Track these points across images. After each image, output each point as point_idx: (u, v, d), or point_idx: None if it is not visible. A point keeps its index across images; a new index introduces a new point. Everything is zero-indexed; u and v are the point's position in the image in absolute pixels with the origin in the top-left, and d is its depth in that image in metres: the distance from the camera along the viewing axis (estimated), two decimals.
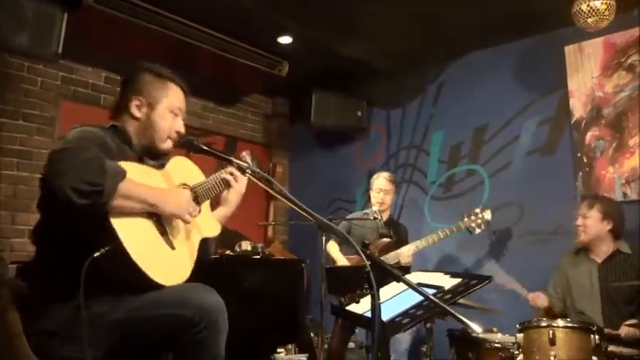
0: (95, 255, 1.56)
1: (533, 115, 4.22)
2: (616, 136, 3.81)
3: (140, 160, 1.92)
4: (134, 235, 1.66)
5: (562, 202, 3.90)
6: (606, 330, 2.76)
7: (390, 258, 3.83)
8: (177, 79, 1.99)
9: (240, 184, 2.10)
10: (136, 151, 1.92)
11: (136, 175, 1.72)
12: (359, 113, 5.09)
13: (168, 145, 1.97)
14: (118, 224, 1.63)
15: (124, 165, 1.69)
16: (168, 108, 1.96)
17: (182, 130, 2.00)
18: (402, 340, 4.46)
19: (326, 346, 3.92)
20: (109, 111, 2.00)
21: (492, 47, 4.45)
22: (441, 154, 4.71)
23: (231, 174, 2.08)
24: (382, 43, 4.45)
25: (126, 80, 1.98)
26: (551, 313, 3.34)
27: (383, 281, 1.88)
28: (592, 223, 3.23)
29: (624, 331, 2.89)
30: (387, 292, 1.96)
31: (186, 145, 2.02)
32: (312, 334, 4.16)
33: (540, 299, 3.35)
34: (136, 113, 1.91)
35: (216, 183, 2.05)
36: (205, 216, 2.05)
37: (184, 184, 1.98)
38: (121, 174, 1.63)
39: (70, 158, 1.59)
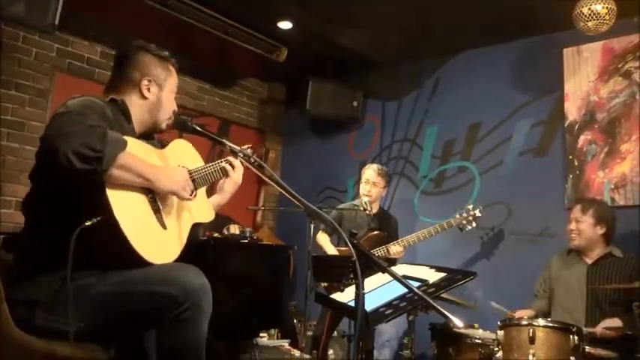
0: (86, 224, 1.57)
1: (527, 116, 4.23)
2: (608, 141, 3.84)
3: (137, 137, 1.93)
4: (127, 209, 1.66)
5: (550, 204, 3.93)
6: (585, 329, 2.81)
7: (380, 252, 3.85)
8: (173, 59, 2.06)
9: (237, 175, 2.14)
10: (133, 128, 1.94)
11: (136, 150, 1.74)
12: (354, 103, 5.08)
13: (167, 124, 2.04)
14: (113, 196, 1.64)
15: (127, 139, 1.70)
16: (171, 89, 2.03)
17: (176, 108, 2.07)
18: (384, 332, 4.51)
19: (309, 333, 3.95)
20: (105, 86, 2.01)
21: (491, 46, 4.45)
22: (434, 149, 4.72)
23: (231, 164, 2.11)
24: (382, 35, 4.44)
25: (126, 57, 1.99)
26: None
27: (369, 272, 1.89)
28: (585, 228, 3.27)
29: (599, 330, 2.93)
30: (372, 282, 1.97)
31: (180, 125, 2.03)
32: (294, 321, 4.19)
33: (524, 312, 3.31)
34: (147, 93, 1.96)
35: (214, 170, 2.08)
36: (201, 201, 2.07)
37: (182, 167, 1.99)
38: (122, 144, 1.66)
39: (74, 122, 1.61)
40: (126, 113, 1.92)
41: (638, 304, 2.64)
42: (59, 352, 1.56)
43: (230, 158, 2.12)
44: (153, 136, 2.05)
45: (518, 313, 3.28)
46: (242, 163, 2.11)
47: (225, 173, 2.12)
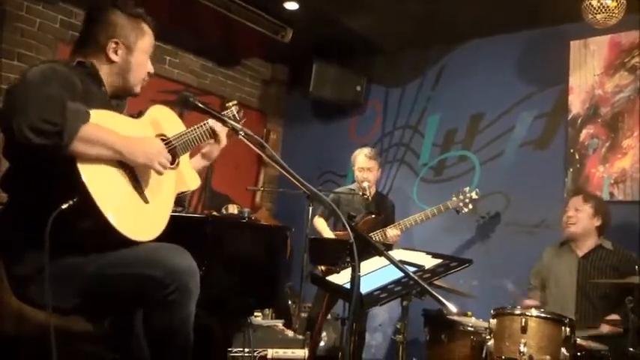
0: (63, 207, 1.52)
1: (530, 108, 4.22)
2: (610, 136, 3.83)
3: (109, 100, 1.87)
4: (104, 187, 1.61)
5: (549, 196, 3.94)
6: (584, 332, 2.86)
7: (377, 235, 3.87)
8: (146, 16, 1.93)
9: (225, 139, 2.07)
10: (105, 91, 1.85)
11: (104, 122, 1.65)
12: (358, 88, 5.06)
13: (140, 88, 1.94)
14: (87, 175, 1.57)
15: (93, 112, 1.62)
16: (144, 50, 1.91)
17: (152, 70, 1.96)
18: (377, 316, 4.54)
19: (304, 314, 3.98)
20: (72, 46, 1.90)
21: (496, 36, 4.41)
22: (435, 137, 4.71)
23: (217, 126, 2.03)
24: (388, 20, 4.40)
25: (94, 17, 1.88)
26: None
27: (366, 255, 1.90)
28: (584, 217, 3.32)
29: (606, 328, 2.97)
30: (369, 266, 1.98)
31: (182, 101, 2.00)
32: (289, 302, 4.22)
33: (531, 302, 3.34)
34: (114, 57, 1.84)
35: (198, 134, 2.00)
36: (184, 168, 2.00)
37: (162, 135, 1.92)
38: (84, 116, 1.57)
39: (30, 95, 1.53)
40: (96, 76, 1.81)
41: (631, 299, 2.66)
42: (53, 324, 1.57)
43: (214, 121, 2.02)
44: (127, 96, 1.96)
45: (525, 302, 3.30)
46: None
47: (212, 136, 2.04)
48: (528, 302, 3.31)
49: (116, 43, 1.84)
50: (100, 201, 1.57)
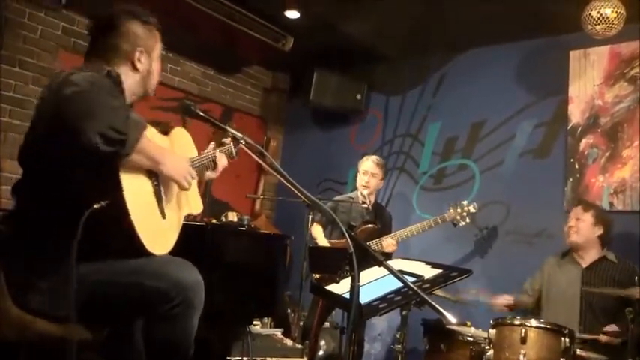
0: (95, 206, 1.54)
1: (530, 117, 4.22)
2: (610, 146, 3.83)
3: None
4: (134, 194, 1.65)
5: (549, 206, 3.94)
6: (583, 335, 2.89)
7: (373, 245, 3.86)
8: (158, 24, 1.96)
9: (220, 170, 2.18)
10: (126, 101, 1.87)
11: (149, 134, 1.71)
12: (358, 96, 5.07)
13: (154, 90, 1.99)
14: (124, 181, 1.61)
15: None
16: (159, 55, 1.96)
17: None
18: (377, 326, 4.53)
19: (301, 323, 3.96)
20: (87, 54, 1.88)
21: (497, 45, 4.43)
22: (435, 145, 4.71)
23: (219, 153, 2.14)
24: (388, 28, 4.43)
25: (113, 26, 1.87)
26: (512, 308, 3.50)
27: (365, 265, 1.90)
28: (584, 226, 3.33)
29: (604, 338, 2.96)
30: (368, 275, 1.98)
31: (183, 109, 2.02)
32: (288, 310, 4.21)
33: (503, 299, 3.51)
34: (139, 65, 1.87)
35: (207, 162, 2.10)
36: (192, 192, 2.07)
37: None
38: (142, 127, 1.63)
39: (98, 103, 1.56)
40: (121, 87, 1.82)
41: (631, 310, 2.65)
42: (53, 332, 1.57)
43: (217, 151, 2.13)
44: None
45: (500, 300, 3.46)
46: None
47: (214, 167, 2.14)
48: (501, 300, 3.46)
49: (140, 52, 1.87)
50: (131, 207, 1.61)
